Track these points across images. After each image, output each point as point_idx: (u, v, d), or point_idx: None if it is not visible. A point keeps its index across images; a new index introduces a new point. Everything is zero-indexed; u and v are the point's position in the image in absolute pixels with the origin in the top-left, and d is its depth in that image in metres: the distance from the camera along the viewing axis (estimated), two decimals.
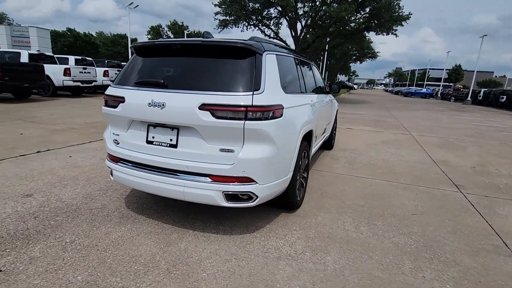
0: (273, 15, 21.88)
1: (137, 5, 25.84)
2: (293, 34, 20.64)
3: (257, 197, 2.13)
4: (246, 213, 2.76)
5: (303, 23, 20.70)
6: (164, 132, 2.18)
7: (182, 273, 1.91)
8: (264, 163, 2.09)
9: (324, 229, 2.57)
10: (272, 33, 21.77)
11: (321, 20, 19.05)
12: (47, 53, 12.73)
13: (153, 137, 2.22)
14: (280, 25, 22.56)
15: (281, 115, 2.19)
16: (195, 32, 49.26)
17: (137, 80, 2.29)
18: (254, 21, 21.21)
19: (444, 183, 3.95)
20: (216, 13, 20.70)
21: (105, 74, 14.30)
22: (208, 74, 2.12)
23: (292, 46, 21.10)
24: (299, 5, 18.59)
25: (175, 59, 2.29)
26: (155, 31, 50.05)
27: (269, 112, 2.06)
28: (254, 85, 2.04)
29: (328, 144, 5.39)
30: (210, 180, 2.07)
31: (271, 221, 2.66)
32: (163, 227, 2.45)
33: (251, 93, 2.01)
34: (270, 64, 2.24)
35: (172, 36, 50.16)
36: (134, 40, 40.60)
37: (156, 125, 2.20)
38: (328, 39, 20.89)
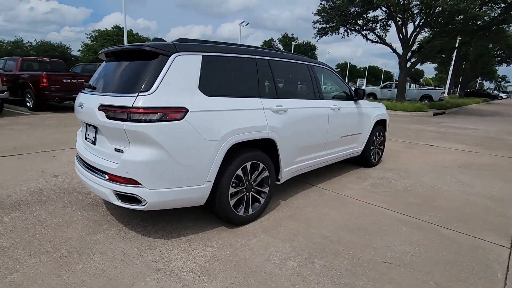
0: (380, 17, 19.89)
1: (248, 23, 28.54)
2: (401, 36, 18.06)
3: (146, 201, 2.05)
4: (186, 219, 2.67)
5: (416, 23, 17.85)
6: (90, 130, 2.41)
7: (68, 260, 2.05)
8: (149, 167, 2.00)
9: (243, 253, 2.21)
10: (376, 37, 19.72)
11: (437, 17, 15.90)
12: None
13: (88, 134, 2.49)
14: (388, 28, 20.28)
15: (181, 118, 2.05)
16: (304, 42, 50.21)
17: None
18: (356, 26, 19.82)
19: (494, 231, 2.67)
20: (315, 22, 20.49)
21: None
22: (115, 77, 2.22)
23: (400, 50, 18.59)
24: (406, 0, 16.12)
25: (106, 65, 2.50)
26: (267, 44, 53.80)
27: (155, 114, 1.96)
28: (144, 86, 2.00)
29: (364, 161, 4.52)
30: (107, 178, 2.14)
31: (200, 232, 2.48)
32: (105, 219, 2.67)
33: (135, 94, 1.98)
34: (180, 65, 2.13)
35: (282, 48, 52.72)
36: None
37: (87, 124, 2.45)
38: (447, 38, 17.17)
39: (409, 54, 18.53)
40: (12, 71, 9.71)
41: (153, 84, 2.01)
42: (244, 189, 2.58)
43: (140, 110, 1.94)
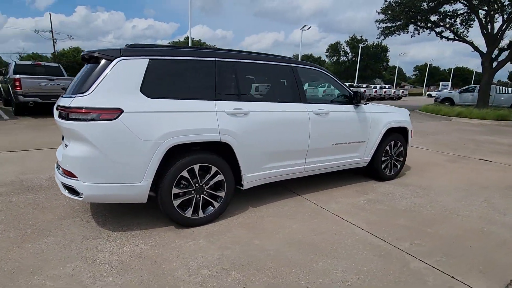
0: (461, 11, 17.28)
1: (310, 27, 28.25)
2: (485, 31, 15.30)
3: (83, 193, 2.23)
4: (148, 216, 2.80)
5: (506, 16, 14.93)
6: None
7: (27, 238, 2.37)
8: (82, 162, 2.18)
9: (169, 254, 2.21)
10: (453, 34, 17.13)
11: None
12: None
13: None
14: (471, 23, 17.48)
15: (115, 119, 2.18)
16: (374, 44, 46.78)
17: None
18: (427, 23, 17.62)
19: (487, 275, 2.07)
20: (379, 21, 18.94)
21: None
22: (76, 80, 2.46)
23: (483, 48, 15.82)
24: None
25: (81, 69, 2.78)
26: (333, 48, 51.82)
27: (88, 114, 2.13)
28: (83, 88, 2.19)
29: (374, 173, 4.01)
30: (61, 171, 2.40)
31: (148, 229, 2.57)
32: (82, 207, 2.99)
33: (74, 95, 2.18)
34: (121, 69, 2.27)
35: (349, 51, 50.30)
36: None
37: None
38: None
39: (496, 52, 15.61)
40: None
41: (91, 87, 2.18)
42: (193, 191, 2.57)
43: (75, 110, 2.13)
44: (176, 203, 2.49)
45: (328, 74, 3.55)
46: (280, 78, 3.16)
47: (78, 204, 3.04)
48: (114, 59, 2.27)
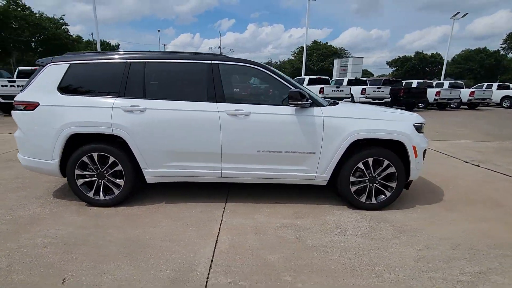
0: None
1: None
2: None
3: (21, 163, 3.10)
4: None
5: None
6: None
7: None
8: (17, 140, 3.03)
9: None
10: None
11: None
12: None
13: None
14: None
15: (33, 109, 2.90)
16: None
17: None
18: None
19: None
20: None
21: None
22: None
23: None
24: None
25: None
26: None
27: (19, 105, 2.94)
28: (24, 87, 3.02)
29: (343, 196, 3.12)
30: None
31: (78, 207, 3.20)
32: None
33: (20, 92, 3.04)
34: (49, 72, 2.96)
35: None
36: None
37: None
38: None
39: None
40: None
41: (28, 85, 3.00)
42: (95, 175, 3.00)
43: (14, 102, 3.00)
44: (79, 182, 2.99)
45: (266, 71, 3.06)
46: (193, 76, 3.05)
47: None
48: (46, 65, 3.00)
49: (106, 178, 3.01)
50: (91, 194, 3.02)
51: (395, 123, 3.03)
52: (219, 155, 2.97)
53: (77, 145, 2.95)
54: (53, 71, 2.98)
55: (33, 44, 25.08)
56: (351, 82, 16.30)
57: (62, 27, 26.94)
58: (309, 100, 2.92)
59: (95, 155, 2.95)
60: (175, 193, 3.41)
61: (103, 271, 2.00)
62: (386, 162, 2.99)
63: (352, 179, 3.02)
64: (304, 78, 15.64)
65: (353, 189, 3.05)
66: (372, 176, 3.04)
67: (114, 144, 2.97)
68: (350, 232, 2.61)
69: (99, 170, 2.99)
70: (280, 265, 2.12)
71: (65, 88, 2.95)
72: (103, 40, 54.12)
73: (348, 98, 14.36)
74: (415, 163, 3.03)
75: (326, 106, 3.05)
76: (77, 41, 27.14)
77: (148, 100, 2.93)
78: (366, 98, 14.31)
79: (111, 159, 2.96)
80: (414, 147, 2.99)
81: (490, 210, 3.13)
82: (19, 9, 22.87)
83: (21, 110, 2.95)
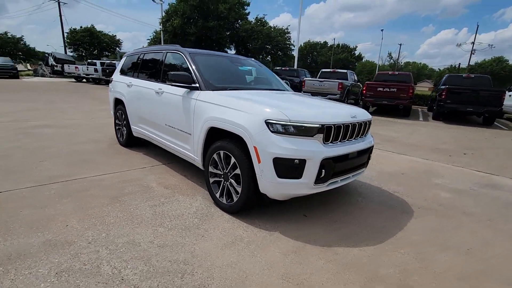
0: None
1: None
2: None
3: None
4: None
5: None
6: None
7: None
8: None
9: None
10: None
11: None
12: None
13: None
14: None
15: (111, 82, 5.12)
16: None
17: None
18: None
19: None
20: None
21: None
22: None
23: None
24: None
25: None
26: None
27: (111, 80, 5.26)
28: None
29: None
30: None
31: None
32: None
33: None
34: (121, 61, 5.06)
35: None
36: None
37: None
38: None
39: None
40: None
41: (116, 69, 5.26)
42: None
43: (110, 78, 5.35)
44: None
45: (184, 56, 3.38)
46: (157, 62, 3.91)
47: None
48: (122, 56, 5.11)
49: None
50: None
51: (242, 114, 2.46)
52: (153, 124, 3.82)
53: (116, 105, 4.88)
54: (122, 61, 5.03)
55: (263, 51, 33.67)
56: None
57: (286, 35, 33.85)
58: (190, 84, 3.05)
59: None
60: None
61: None
62: (233, 160, 2.55)
63: (210, 169, 2.83)
64: None
65: (211, 180, 2.85)
66: (225, 173, 2.68)
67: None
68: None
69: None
70: None
71: (122, 70, 4.92)
72: (343, 43, 59.22)
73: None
74: (260, 171, 2.33)
75: (213, 90, 2.97)
76: (292, 44, 33.64)
77: (135, 79, 4.28)
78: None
79: (120, 112, 4.65)
80: (255, 148, 2.32)
81: None
82: (258, 23, 31.77)
83: (110, 82, 5.28)
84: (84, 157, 4.02)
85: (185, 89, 3.17)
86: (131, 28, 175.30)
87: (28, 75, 27.65)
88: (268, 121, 2.32)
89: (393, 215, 2.86)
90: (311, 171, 2.31)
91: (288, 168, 2.29)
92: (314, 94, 12.07)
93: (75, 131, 5.61)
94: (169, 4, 29.04)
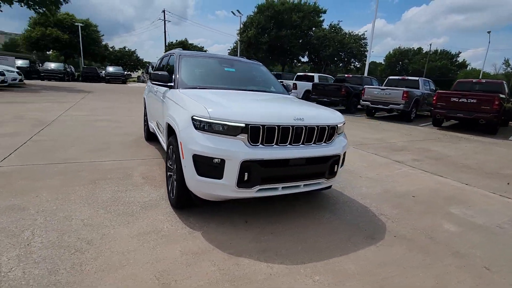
0: None
1: None
2: None
3: None
4: None
5: None
6: None
7: None
8: None
9: None
10: None
11: None
12: None
13: None
14: None
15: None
16: None
17: None
18: None
19: None
20: None
21: None
22: None
23: None
24: None
25: None
26: None
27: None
28: None
29: None
30: None
31: None
32: None
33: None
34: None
35: None
36: None
37: None
38: None
39: None
40: None
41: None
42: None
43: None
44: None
45: (175, 57, 3.59)
46: (165, 65, 4.24)
47: None
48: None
49: None
50: None
51: (181, 110, 2.53)
52: (153, 118, 4.19)
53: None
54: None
55: (335, 57, 31.97)
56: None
57: (362, 41, 31.36)
58: (166, 83, 3.26)
59: None
60: None
61: None
62: (175, 155, 2.60)
63: (168, 163, 2.94)
64: None
65: (168, 174, 2.96)
66: (174, 168, 2.75)
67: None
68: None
69: None
70: None
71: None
72: (442, 49, 51.97)
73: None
74: (184, 167, 2.33)
75: (183, 89, 3.10)
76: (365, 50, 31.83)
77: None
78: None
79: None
80: (181, 143, 2.33)
81: None
82: (332, 30, 30.56)
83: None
84: (105, 146, 4.67)
85: (165, 88, 3.39)
86: (221, 41, 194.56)
87: (134, 81, 33.39)
88: (193, 117, 2.30)
89: (351, 238, 2.42)
90: (231, 172, 2.18)
91: (207, 166, 2.22)
92: (374, 103, 10.90)
93: (122, 125, 6.54)
94: (247, 16, 30.99)
